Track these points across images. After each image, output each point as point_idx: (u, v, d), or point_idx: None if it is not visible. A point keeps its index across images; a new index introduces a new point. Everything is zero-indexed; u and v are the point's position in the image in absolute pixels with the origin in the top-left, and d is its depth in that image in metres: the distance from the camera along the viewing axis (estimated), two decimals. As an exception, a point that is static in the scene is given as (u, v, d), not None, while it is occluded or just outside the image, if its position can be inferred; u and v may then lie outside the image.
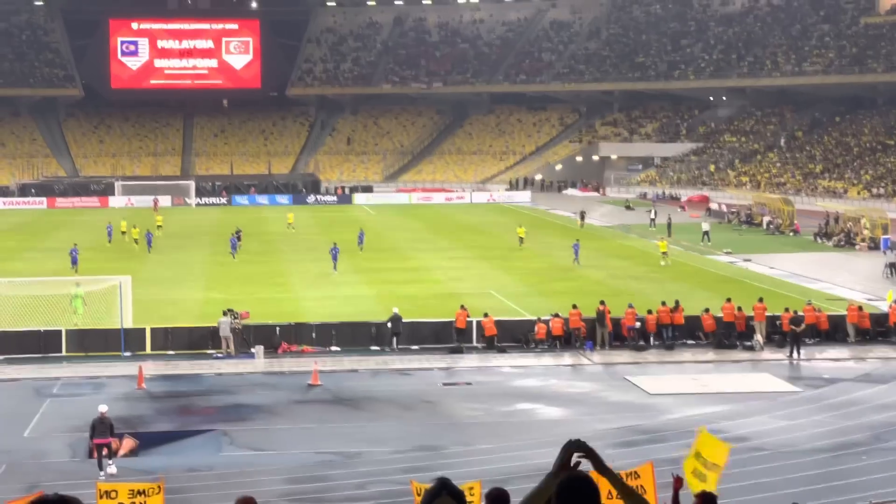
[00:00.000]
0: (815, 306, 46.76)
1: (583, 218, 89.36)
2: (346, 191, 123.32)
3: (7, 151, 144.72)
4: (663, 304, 45.81)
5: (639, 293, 53.84)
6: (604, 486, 5.30)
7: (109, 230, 77.93)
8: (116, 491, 18.70)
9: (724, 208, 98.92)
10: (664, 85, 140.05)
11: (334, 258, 63.12)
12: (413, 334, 44.99)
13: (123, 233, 78.00)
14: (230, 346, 43.12)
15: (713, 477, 13.91)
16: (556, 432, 33.09)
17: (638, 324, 44.77)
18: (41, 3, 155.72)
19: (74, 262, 62.75)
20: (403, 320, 44.80)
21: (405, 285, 58.69)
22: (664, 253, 65.98)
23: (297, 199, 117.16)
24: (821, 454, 30.04)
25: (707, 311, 45.52)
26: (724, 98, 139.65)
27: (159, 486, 18.51)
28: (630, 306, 45.47)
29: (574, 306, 45.21)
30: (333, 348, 44.30)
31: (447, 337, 44.94)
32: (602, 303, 45.64)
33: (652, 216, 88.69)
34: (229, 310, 44.57)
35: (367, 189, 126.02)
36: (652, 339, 45.08)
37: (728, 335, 44.87)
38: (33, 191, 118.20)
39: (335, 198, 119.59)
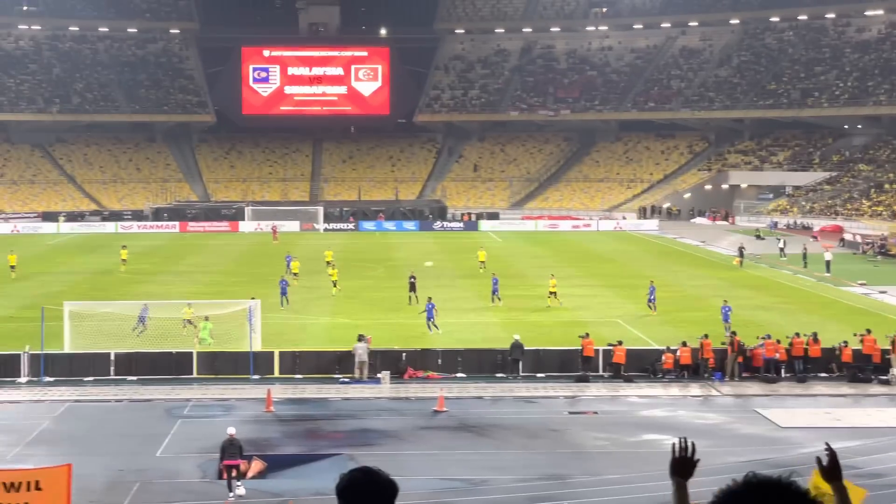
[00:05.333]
0: (953, 340, 45.45)
1: (741, 255, 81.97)
2: (473, 217, 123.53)
3: (142, 176, 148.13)
4: (797, 335, 44.91)
5: (768, 324, 52.96)
6: None
7: (288, 260, 73.89)
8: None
9: (859, 239, 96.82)
10: (797, 112, 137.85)
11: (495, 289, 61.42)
12: (538, 362, 44.80)
13: (296, 273, 71.02)
14: (364, 372, 43.32)
15: None
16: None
17: (777, 355, 43.92)
18: (177, 31, 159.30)
19: (283, 292, 60.63)
20: (526, 348, 44.67)
21: (531, 313, 58.53)
22: (552, 293, 61.18)
23: (424, 225, 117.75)
24: (960, 493, 29.10)
25: (846, 343, 44.52)
26: (858, 126, 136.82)
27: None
28: (768, 337, 44.67)
29: (705, 336, 44.59)
30: (459, 375, 44.31)
31: (572, 365, 44.63)
32: (733, 333, 44.97)
33: (781, 245, 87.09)
34: (360, 335, 44.85)
35: (494, 216, 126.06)
36: (783, 371, 44.27)
37: (863, 369, 43.83)
38: (165, 215, 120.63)
39: (461, 224, 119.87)
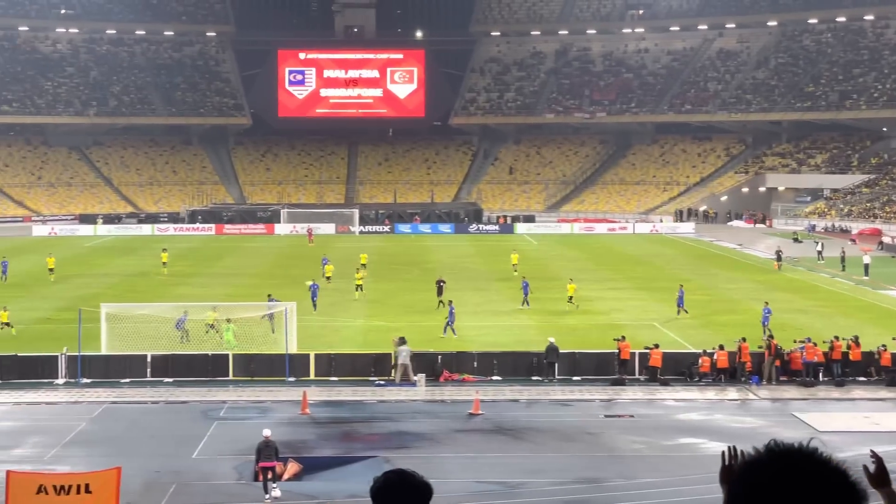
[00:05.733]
0: None
1: (779, 258, 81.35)
2: (508, 220, 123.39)
3: (178, 178, 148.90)
4: (836, 338, 44.56)
5: (806, 327, 52.57)
6: None
7: (324, 262, 73.12)
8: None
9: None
10: (835, 115, 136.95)
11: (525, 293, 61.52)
12: (574, 365, 44.65)
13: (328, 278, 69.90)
14: (408, 374, 43.23)
15: None
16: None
17: (815, 358, 43.55)
18: (213, 34, 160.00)
19: (314, 296, 59.84)
20: (562, 351, 44.53)
21: (566, 316, 58.34)
22: (571, 297, 60.82)
23: (459, 227, 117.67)
24: None
25: (884, 347, 44.13)
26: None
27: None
28: (808, 340, 44.31)
29: (743, 339, 44.33)
30: (494, 377, 44.22)
31: (608, 368, 44.46)
32: (770, 336, 44.67)
33: (819, 249, 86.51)
34: (402, 338, 44.79)
35: (529, 219, 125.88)
36: (821, 374, 43.92)
37: (902, 372, 43.43)
38: (200, 217, 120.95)
39: (497, 227, 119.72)
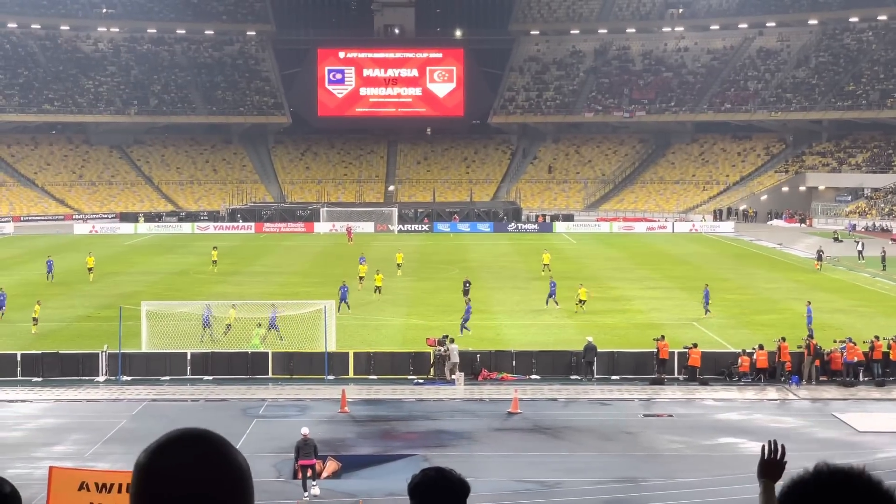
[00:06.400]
0: None
1: (820, 258, 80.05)
2: (547, 219, 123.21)
3: (218, 177, 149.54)
4: (877, 338, 44.28)
5: (847, 327, 52.26)
6: None
7: (362, 261, 72.17)
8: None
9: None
10: (876, 114, 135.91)
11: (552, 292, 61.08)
12: (613, 364, 44.61)
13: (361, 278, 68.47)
14: (455, 372, 43.30)
15: None
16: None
17: (855, 359, 43.29)
18: (253, 33, 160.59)
19: (343, 297, 59.18)
20: (601, 350, 44.50)
21: (605, 315, 58.24)
22: (582, 301, 59.60)
23: (498, 226, 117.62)
24: None
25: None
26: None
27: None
28: (849, 340, 44.05)
29: (783, 339, 44.12)
30: (533, 376, 44.23)
31: (646, 367, 44.39)
32: (810, 336, 44.46)
33: (860, 248, 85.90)
34: (447, 336, 44.89)
35: (568, 217, 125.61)
36: (861, 374, 43.66)
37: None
38: (240, 216, 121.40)
39: (536, 226, 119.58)
